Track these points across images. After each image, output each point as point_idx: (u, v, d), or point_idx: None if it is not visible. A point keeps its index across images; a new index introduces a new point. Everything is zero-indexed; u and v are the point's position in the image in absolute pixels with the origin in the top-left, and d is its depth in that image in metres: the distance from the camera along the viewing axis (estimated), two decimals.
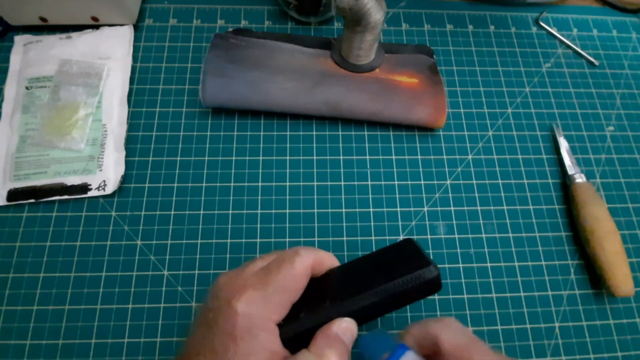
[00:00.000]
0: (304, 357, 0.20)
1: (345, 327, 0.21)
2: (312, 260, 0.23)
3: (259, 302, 0.20)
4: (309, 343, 0.21)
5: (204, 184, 0.35)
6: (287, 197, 0.35)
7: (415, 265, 0.22)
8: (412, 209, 0.35)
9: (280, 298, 0.21)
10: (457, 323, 0.22)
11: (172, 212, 0.34)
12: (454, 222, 0.35)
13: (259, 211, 0.34)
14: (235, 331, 0.20)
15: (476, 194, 0.36)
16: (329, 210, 0.35)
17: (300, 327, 0.21)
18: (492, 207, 0.36)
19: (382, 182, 0.36)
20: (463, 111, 0.39)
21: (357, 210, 0.35)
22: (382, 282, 0.21)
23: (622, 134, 0.40)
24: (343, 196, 0.35)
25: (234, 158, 0.36)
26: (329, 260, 0.24)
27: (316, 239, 0.34)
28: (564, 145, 0.38)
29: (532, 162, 0.38)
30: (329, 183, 0.36)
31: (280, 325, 0.21)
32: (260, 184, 0.35)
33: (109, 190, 0.34)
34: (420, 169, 0.37)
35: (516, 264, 0.34)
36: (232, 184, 0.35)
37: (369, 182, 0.36)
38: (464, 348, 0.20)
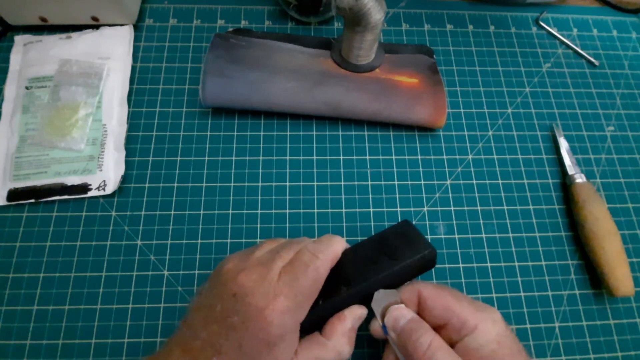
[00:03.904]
0: (318, 340, 0.24)
1: (357, 316, 0.25)
2: (331, 260, 0.25)
3: (292, 312, 0.22)
4: (322, 326, 0.24)
5: (204, 184, 0.35)
6: (287, 197, 0.35)
7: (417, 248, 0.26)
8: (412, 209, 0.35)
9: (308, 302, 0.23)
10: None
11: (172, 212, 0.34)
12: (454, 222, 0.35)
13: (259, 211, 0.34)
14: (269, 338, 0.22)
15: (476, 194, 0.36)
16: (329, 210, 0.35)
17: (319, 314, 0.24)
18: (492, 207, 0.36)
19: (382, 182, 0.36)
20: (463, 111, 0.39)
21: (357, 210, 0.35)
22: (390, 267, 0.25)
23: (622, 134, 0.40)
24: (343, 196, 0.35)
25: (234, 158, 0.36)
26: (342, 249, 0.26)
27: None
28: (564, 145, 0.38)
29: (532, 162, 0.38)
30: (329, 183, 0.36)
31: None
32: (260, 184, 0.35)
33: (109, 190, 0.34)
34: (420, 169, 0.37)
35: (516, 264, 0.34)
36: (232, 184, 0.35)
37: (369, 182, 0.36)
38: (439, 290, 0.25)
